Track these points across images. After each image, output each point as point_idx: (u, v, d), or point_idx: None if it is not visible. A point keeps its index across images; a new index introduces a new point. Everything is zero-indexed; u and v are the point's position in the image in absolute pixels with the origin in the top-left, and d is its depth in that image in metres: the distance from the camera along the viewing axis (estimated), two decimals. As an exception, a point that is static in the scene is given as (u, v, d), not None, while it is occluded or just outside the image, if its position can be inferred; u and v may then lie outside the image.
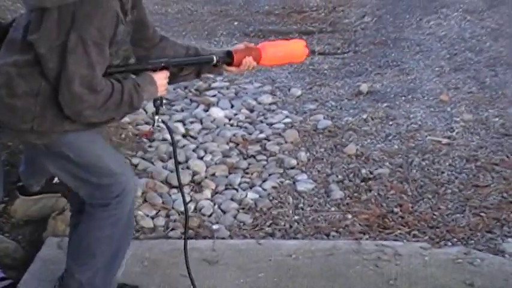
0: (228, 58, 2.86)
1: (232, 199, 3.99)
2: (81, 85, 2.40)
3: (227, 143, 4.63)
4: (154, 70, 2.67)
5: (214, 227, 3.71)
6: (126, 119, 4.74)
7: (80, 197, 2.78)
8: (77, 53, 2.40)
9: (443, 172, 4.19)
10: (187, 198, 3.95)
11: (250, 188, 4.11)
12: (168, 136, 4.60)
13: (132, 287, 3.02)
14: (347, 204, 3.92)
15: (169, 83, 2.77)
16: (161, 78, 2.68)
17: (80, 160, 2.64)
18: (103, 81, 2.46)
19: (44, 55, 2.42)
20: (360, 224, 3.72)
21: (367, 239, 3.58)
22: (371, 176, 4.19)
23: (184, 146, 4.54)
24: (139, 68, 2.66)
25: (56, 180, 3.60)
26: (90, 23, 2.40)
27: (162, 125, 2.78)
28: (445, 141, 4.56)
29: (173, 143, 2.83)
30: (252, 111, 5.16)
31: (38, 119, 2.50)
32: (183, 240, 2.89)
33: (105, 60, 2.48)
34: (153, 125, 2.79)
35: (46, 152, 2.65)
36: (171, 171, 4.19)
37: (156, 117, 2.75)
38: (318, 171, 4.28)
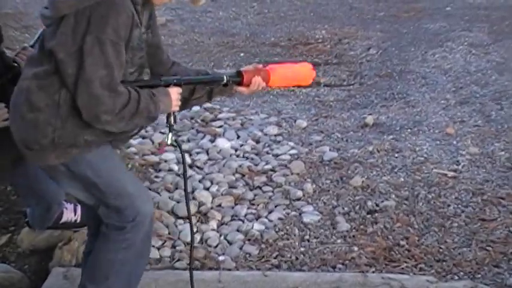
0: (238, 77, 2.89)
1: (238, 230, 3.98)
2: (101, 86, 2.43)
3: (233, 174, 4.63)
4: (167, 86, 2.70)
5: (220, 258, 3.70)
6: (133, 149, 4.77)
7: (96, 220, 2.80)
8: (94, 54, 2.43)
9: (449, 205, 4.19)
10: (194, 229, 3.94)
11: (256, 219, 4.11)
12: (174, 167, 4.62)
13: None
14: (353, 236, 3.91)
15: (181, 107, 2.79)
16: (174, 93, 2.71)
17: (98, 180, 2.66)
18: (121, 84, 2.48)
19: (63, 60, 2.45)
20: (366, 257, 3.71)
21: (373, 271, 3.56)
22: (377, 208, 4.18)
23: (190, 176, 4.54)
24: (153, 84, 2.68)
25: (63, 220, 3.62)
26: (106, 23, 2.43)
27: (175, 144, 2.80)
28: (451, 174, 4.56)
29: (184, 162, 2.85)
30: (258, 142, 5.17)
31: (59, 131, 2.52)
32: (189, 270, 2.89)
33: (121, 63, 2.50)
34: (167, 144, 2.80)
35: (65, 173, 2.65)
36: (178, 202, 4.20)
37: (170, 134, 2.76)
38: (324, 203, 4.28)
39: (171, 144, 2.81)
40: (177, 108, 2.75)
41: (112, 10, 2.46)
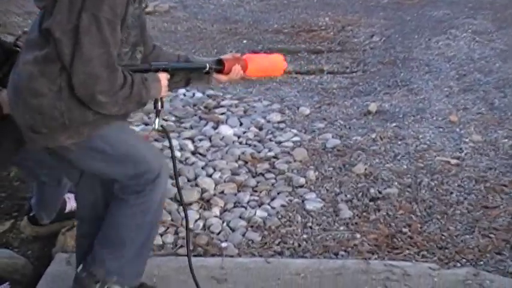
0: (220, 65, 2.97)
1: (240, 217, 3.99)
2: (99, 65, 2.43)
3: (236, 161, 4.63)
4: (156, 71, 2.73)
5: (223, 244, 3.71)
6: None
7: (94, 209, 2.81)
8: (91, 33, 2.42)
9: (452, 193, 4.19)
10: (196, 216, 3.96)
11: (259, 206, 4.11)
12: (177, 153, 4.62)
13: (149, 286, 3.01)
14: (356, 223, 3.92)
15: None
16: (164, 78, 2.74)
17: (115, 152, 2.66)
18: (120, 69, 2.49)
19: (59, 39, 2.43)
20: (368, 244, 3.71)
21: (375, 258, 3.57)
22: (380, 195, 4.18)
23: (193, 163, 4.55)
24: (144, 69, 2.71)
25: (67, 210, 3.62)
26: (102, 0, 2.42)
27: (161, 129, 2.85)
28: (454, 161, 4.56)
29: (171, 147, 2.88)
30: (260, 129, 5.17)
31: (66, 113, 2.51)
32: (187, 256, 2.91)
33: (117, 42, 2.50)
34: (153, 128, 2.83)
35: (77, 153, 2.64)
36: (182, 188, 4.19)
37: (157, 120, 2.78)
38: (327, 190, 4.28)
39: (158, 130, 2.87)
40: (166, 94, 2.78)
41: None
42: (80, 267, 2.88)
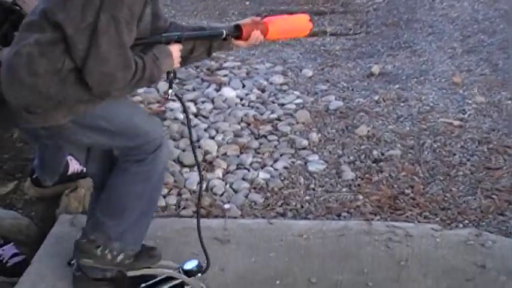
0: (237, 31, 2.85)
1: (243, 179, 4.00)
2: (115, 65, 2.41)
3: (238, 123, 4.63)
4: (168, 43, 2.68)
5: (226, 206, 3.72)
6: (138, 97, 4.76)
7: (101, 173, 2.81)
8: (110, 33, 2.39)
9: (455, 154, 4.19)
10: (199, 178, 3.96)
11: (262, 168, 4.12)
12: (179, 115, 4.62)
13: (150, 248, 3.01)
14: (358, 185, 3.92)
15: (181, 64, 2.78)
16: (176, 50, 2.69)
17: (113, 127, 2.65)
18: (132, 58, 2.47)
19: (72, 36, 2.41)
20: (371, 205, 3.72)
21: (378, 220, 3.58)
22: (382, 157, 4.18)
23: (195, 125, 4.54)
24: (155, 41, 2.67)
25: (70, 172, 3.63)
26: (121, 1, 2.39)
27: (175, 98, 2.83)
28: (457, 123, 4.55)
29: (187, 117, 2.86)
30: (263, 91, 5.15)
31: (62, 92, 2.49)
32: (196, 218, 2.92)
33: (131, 40, 2.48)
34: (167, 98, 2.80)
35: (74, 130, 2.63)
36: (183, 150, 4.21)
37: (170, 90, 2.76)
38: (329, 152, 4.28)
39: (172, 100, 2.82)
40: (178, 65, 2.74)
41: None
42: (81, 233, 2.89)
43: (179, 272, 2.95)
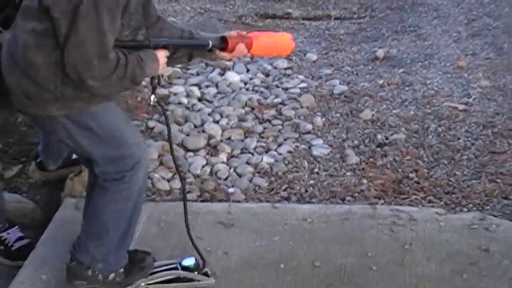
0: (223, 44, 2.87)
1: (247, 163, 4.00)
2: (91, 51, 2.38)
3: (243, 107, 4.62)
4: (155, 48, 2.65)
5: (230, 190, 3.72)
6: (143, 82, 4.75)
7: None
8: (89, 18, 2.36)
9: (459, 138, 4.18)
10: (204, 162, 3.97)
11: (266, 152, 4.12)
12: (183, 100, 4.62)
13: (144, 253, 3.02)
14: (362, 169, 3.92)
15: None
16: (162, 56, 2.66)
17: (100, 131, 2.64)
18: (112, 51, 2.45)
19: (58, 19, 2.39)
20: (375, 189, 3.72)
21: (382, 204, 3.58)
22: (387, 141, 4.18)
23: (200, 109, 4.54)
24: (142, 45, 2.64)
25: (74, 156, 3.63)
26: None
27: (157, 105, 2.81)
28: (461, 107, 4.54)
29: (168, 125, 2.84)
30: (267, 75, 5.14)
31: (60, 87, 2.49)
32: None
33: (115, 30, 2.44)
34: (149, 104, 2.79)
35: (65, 124, 2.63)
36: (187, 135, 4.21)
37: (152, 96, 2.74)
38: (334, 136, 4.28)
39: (153, 105, 2.84)
40: (163, 72, 2.73)
41: None
42: (69, 257, 2.90)
43: (177, 268, 2.96)
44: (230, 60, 2.81)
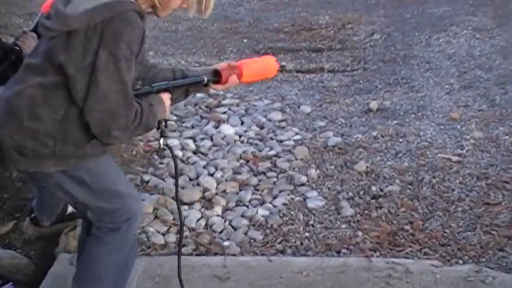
0: (216, 77, 2.96)
1: (242, 216, 3.99)
2: (116, 102, 2.42)
3: (237, 160, 4.64)
4: (158, 93, 2.71)
5: (225, 243, 3.71)
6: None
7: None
8: (109, 70, 2.40)
9: (453, 190, 4.19)
10: (199, 215, 3.97)
11: (261, 204, 4.12)
12: (178, 153, 4.63)
13: None
14: (357, 221, 3.92)
15: None
16: (167, 99, 2.73)
17: (95, 185, 2.65)
18: (133, 97, 2.50)
19: (73, 76, 2.42)
20: (370, 241, 3.71)
21: (377, 256, 3.57)
22: (381, 193, 4.19)
23: (194, 162, 4.56)
24: (146, 92, 2.69)
25: (69, 211, 3.63)
26: (120, 39, 2.41)
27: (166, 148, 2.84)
28: (455, 158, 4.56)
29: (175, 166, 2.88)
30: (262, 128, 5.17)
31: (60, 143, 2.50)
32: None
33: (131, 78, 2.50)
34: (159, 147, 2.84)
35: (59, 178, 2.64)
36: (182, 188, 4.21)
37: (162, 139, 2.78)
38: (328, 188, 4.28)
39: (163, 149, 2.88)
40: (169, 113, 2.77)
41: (125, 25, 2.43)
42: None
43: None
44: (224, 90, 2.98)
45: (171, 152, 2.89)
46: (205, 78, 2.92)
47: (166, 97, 2.73)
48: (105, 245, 2.76)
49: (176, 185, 2.93)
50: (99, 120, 2.43)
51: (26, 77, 2.56)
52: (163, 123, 2.76)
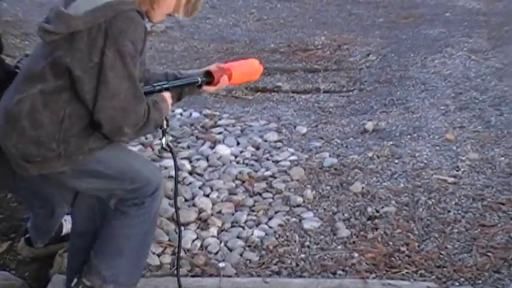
0: (209, 78, 3.08)
1: (238, 237, 3.98)
2: (127, 98, 2.46)
3: (233, 181, 4.63)
4: (159, 92, 2.81)
5: (221, 264, 3.70)
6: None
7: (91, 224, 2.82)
8: (117, 68, 2.46)
9: (449, 211, 4.19)
10: (194, 236, 3.95)
11: (257, 225, 4.11)
12: (173, 173, 4.62)
13: None
14: (353, 242, 3.91)
15: None
16: (168, 97, 2.83)
17: (111, 171, 2.69)
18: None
19: (80, 78, 2.46)
20: (366, 263, 3.71)
21: (373, 278, 3.56)
22: (377, 214, 4.18)
23: (190, 183, 4.55)
24: (149, 91, 2.76)
25: (64, 232, 3.62)
26: (124, 37, 2.46)
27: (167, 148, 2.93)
28: (451, 180, 4.56)
29: (175, 165, 2.97)
30: (257, 148, 5.17)
31: (63, 144, 2.53)
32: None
33: (138, 75, 2.54)
34: (161, 147, 2.90)
35: (73, 175, 2.65)
36: (178, 209, 4.19)
37: (163, 139, 2.85)
38: (324, 209, 4.28)
39: (164, 148, 2.94)
40: (170, 112, 2.83)
41: (129, 24, 2.49)
42: (75, 281, 2.89)
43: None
44: (215, 91, 3.24)
45: (172, 153, 2.97)
46: (199, 79, 3.04)
47: (167, 95, 2.81)
48: (129, 218, 2.81)
49: (176, 185, 3.01)
50: (110, 118, 2.48)
51: (25, 86, 2.59)
52: (165, 122, 2.82)
